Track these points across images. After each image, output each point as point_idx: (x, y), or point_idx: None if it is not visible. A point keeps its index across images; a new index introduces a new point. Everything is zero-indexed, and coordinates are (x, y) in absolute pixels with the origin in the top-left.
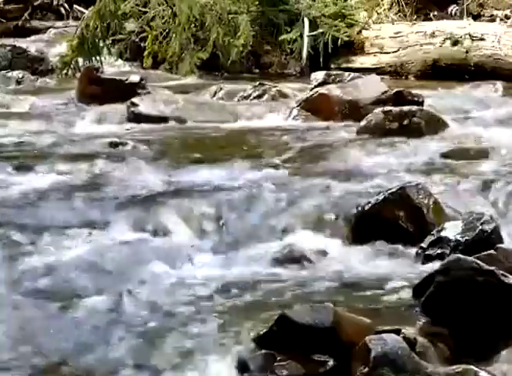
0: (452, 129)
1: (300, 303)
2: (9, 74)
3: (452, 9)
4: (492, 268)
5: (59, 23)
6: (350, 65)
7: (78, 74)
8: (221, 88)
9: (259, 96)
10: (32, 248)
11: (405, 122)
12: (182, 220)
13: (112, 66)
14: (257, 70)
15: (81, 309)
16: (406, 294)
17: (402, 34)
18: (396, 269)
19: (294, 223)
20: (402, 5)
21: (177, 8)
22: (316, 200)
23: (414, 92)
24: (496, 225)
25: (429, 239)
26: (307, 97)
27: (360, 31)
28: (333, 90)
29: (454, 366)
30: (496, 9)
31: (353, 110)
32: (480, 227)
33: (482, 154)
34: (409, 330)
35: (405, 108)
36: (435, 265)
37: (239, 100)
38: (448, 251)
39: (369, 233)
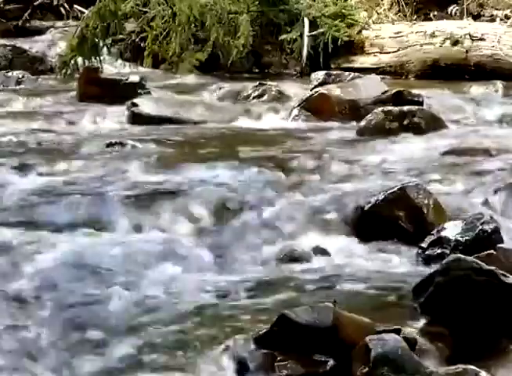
0: (452, 129)
1: (300, 303)
2: (9, 74)
3: (452, 9)
4: (492, 268)
5: (59, 23)
6: (350, 65)
7: (78, 74)
8: (220, 88)
9: (259, 96)
10: (31, 248)
11: (405, 122)
12: (181, 220)
13: (112, 66)
14: (257, 70)
15: (80, 308)
16: (406, 294)
17: (402, 34)
18: (396, 269)
19: (294, 223)
20: (402, 5)
21: (177, 8)
22: (316, 200)
23: (414, 92)
24: (496, 225)
25: (429, 239)
26: (307, 97)
27: (360, 31)
28: (333, 90)
29: (454, 367)
30: (496, 9)
31: (353, 110)
32: (480, 227)
33: (482, 154)
34: (409, 330)
35: (405, 108)
36: (435, 265)
37: (239, 100)
38: (448, 251)
39: (369, 233)
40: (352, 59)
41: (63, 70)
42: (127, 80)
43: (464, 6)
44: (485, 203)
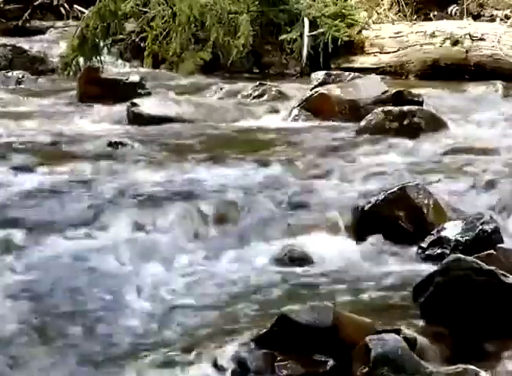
0: (452, 129)
1: (300, 303)
2: (9, 74)
3: (452, 9)
4: (492, 268)
5: (59, 23)
6: (350, 65)
7: (79, 74)
8: (221, 88)
9: (259, 96)
10: (31, 248)
11: (405, 122)
12: (182, 220)
13: (112, 66)
14: (257, 70)
15: (80, 308)
16: (406, 294)
17: (402, 34)
18: (396, 269)
19: (294, 223)
20: (402, 5)
21: (177, 8)
22: (316, 200)
23: (414, 92)
24: (496, 225)
25: (429, 239)
26: (307, 97)
27: (360, 31)
28: (333, 90)
29: (454, 366)
30: (496, 9)
31: (353, 110)
32: (480, 227)
33: (482, 154)
34: (409, 330)
35: (405, 108)
36: (435, 265)
37: (239, 100)
38: (448, 251)
39: (369, 233)
40: (352, 59)
41: (65, 71)
42: (127, 80)
43: (464, 6)
44: (485, 203)
